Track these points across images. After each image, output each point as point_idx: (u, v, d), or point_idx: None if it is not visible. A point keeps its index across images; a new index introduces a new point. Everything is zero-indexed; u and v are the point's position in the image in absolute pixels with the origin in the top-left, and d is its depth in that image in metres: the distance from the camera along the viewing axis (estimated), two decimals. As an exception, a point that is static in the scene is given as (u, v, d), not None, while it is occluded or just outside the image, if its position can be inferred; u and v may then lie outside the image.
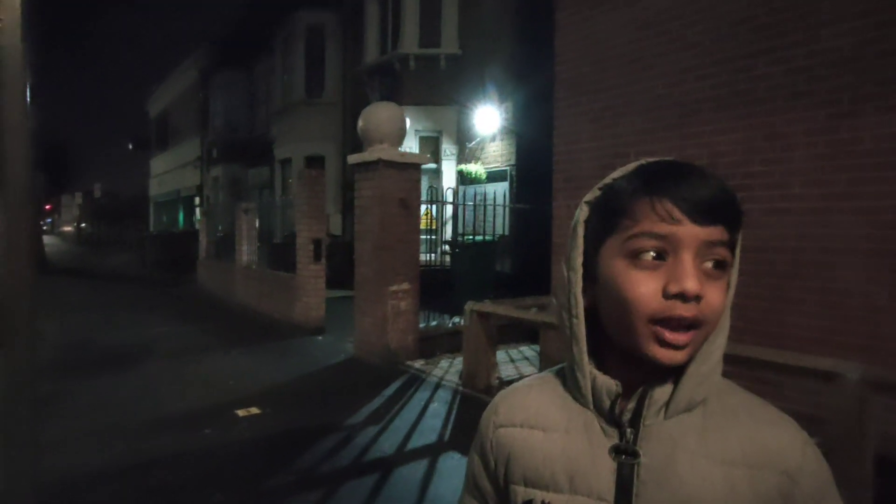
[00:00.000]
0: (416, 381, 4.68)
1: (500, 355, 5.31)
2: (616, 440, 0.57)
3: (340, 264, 9.02)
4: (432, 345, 5.53)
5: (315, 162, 13.87)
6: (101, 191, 41.41)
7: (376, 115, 5.32)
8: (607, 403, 0.59)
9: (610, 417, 0.58)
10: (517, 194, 8.76)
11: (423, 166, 5.68)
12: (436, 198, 6.21)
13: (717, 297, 0.52)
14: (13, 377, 0.89)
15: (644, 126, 4.18)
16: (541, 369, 4.76)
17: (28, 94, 0.90)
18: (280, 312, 7.21)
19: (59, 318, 7.30)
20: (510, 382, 3.55)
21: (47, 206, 56.95)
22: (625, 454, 0.56)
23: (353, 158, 5.42)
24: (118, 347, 5.71)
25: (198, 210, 20.74)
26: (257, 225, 9.12)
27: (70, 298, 9.58)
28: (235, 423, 3.61)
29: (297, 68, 14.70)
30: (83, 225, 36.65)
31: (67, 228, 44.65)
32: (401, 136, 5.43)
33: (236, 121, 18.73)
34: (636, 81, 4.22)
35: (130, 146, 30.59)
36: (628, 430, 0.57)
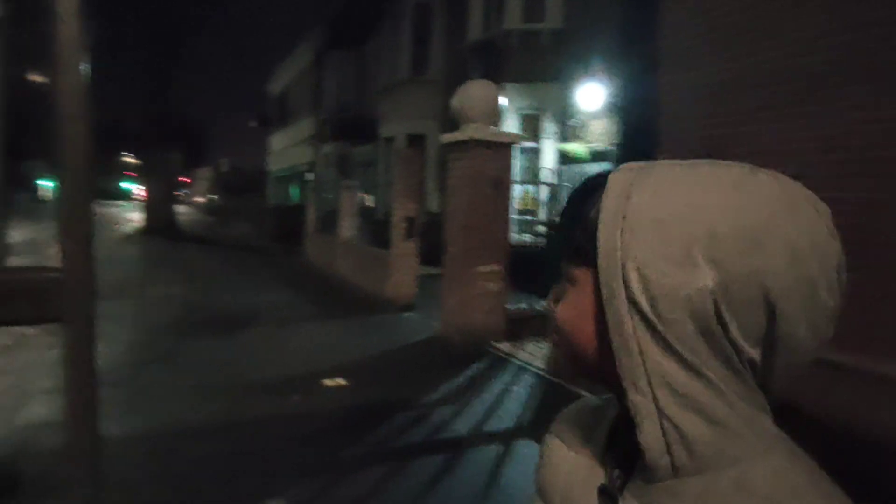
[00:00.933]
0: (499, 363, 4.65)
1: (589, 343, 5.14)
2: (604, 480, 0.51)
3: (436, 242, 9.14)
4: (520, 327, 5.46)
5: (417, 140, 14.09)
6: (228, 166, 45.05)
7: (470, 93, 5.26)
8: (603, 437, 0.53)
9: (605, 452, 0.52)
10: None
11: (523, 145, 5.57)
12: (533, 178, 6.07)
13: (561, 309, 0.50)
14: (74, 350, 0.95)
15: (761, 102, 3.76)
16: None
17: (85, 80, 0.92)
18: (373, 287, 7.47)
19: (183, 283, 8.08)
20: None
21: (186, 180, 63.03)
22: (609, 497, 0.49)
23: (446, 138, 5.42)
24: (229, 311, 6.22)
25: (309, 185, 21.95)
26: (359, 201, 9.47)
27: (195, 264, 10.57)
28: (322, 391, 3.80)
29: (403, 47, 14.92)
30: (212, 196, 40.17)
31: (199, 199, 49.17)
32: (494, 114, 5.33)
33: (346, 100, 19.45)
34: (752, 52, 3.80)
35: (254, 124, 32.92)
36: (615, 472, 0.50)
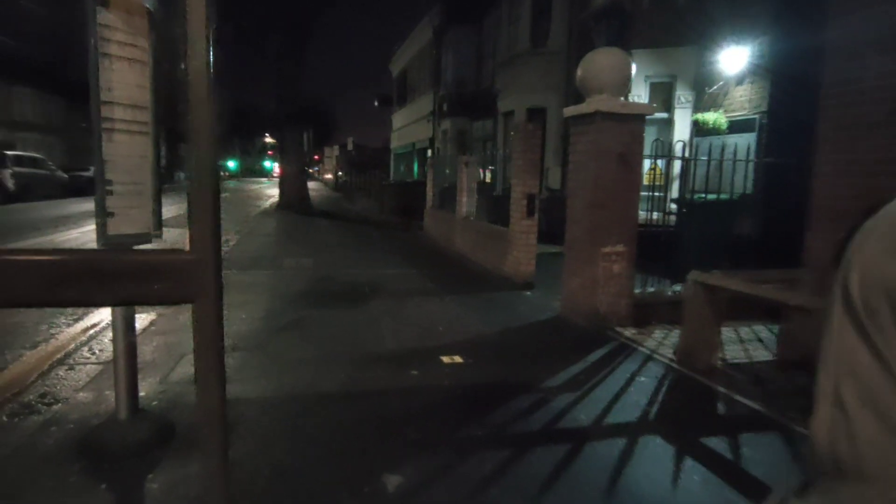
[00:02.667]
0: (624, 349, 4.39)
1: (727, 333, 4.68)
2: None
3: (557, 219, 8.88)
4: (647, 313, 5.12)
5: (537, 114, 13.71)
6: (353, 144, 47.29)
7: (596, 62, 4.92)
8: None
9: None
10: (767, 146, 7.47)
11: (652, 116, 5.14)
12: (663, 151, 5.61)
13: None
14: (203, 329, 0.93)
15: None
16: (781, 354, 4.07)
17: (209, 64, 0.88)
18: (492, 264, 7.41)
19: (313, 255, 8.58)
20: (736, 366, 3.05)
21: (316, 157, 67.35)
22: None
23: (569, 111, 5.14)
24: (354, 284, 6.48)
25: (427, 161, 22.36)
26: (477, 177, 9.41)
27: (323, 237, 11.20)
28: (439, 368, 3.81)
29: (522, 18, 14.50)
30: (339, 173, 42.48)
31: (328, 176, 52.25)
32: (623, 84, 4.96)
33: (465, 75, 19.41)
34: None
35: (376, 103, 34.13)
36: None
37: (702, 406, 3.41)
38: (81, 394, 3.22)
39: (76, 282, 0.92)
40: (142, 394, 2.99)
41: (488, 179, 10.70)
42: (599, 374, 3.82)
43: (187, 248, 0.96)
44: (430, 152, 22.59)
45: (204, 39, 0.90)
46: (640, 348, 4.42)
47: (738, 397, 3.48)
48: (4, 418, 2.89)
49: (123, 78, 2.31)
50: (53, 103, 35.39)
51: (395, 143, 30.18)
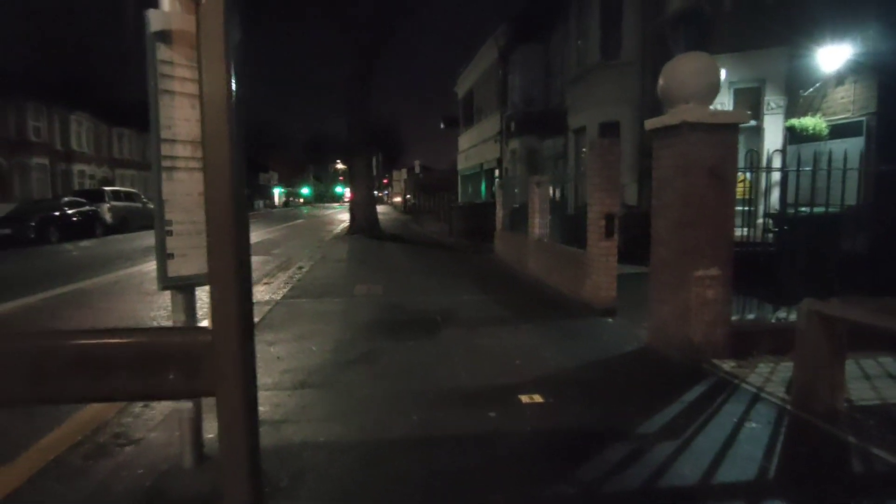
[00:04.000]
0: (725, 387, 3.90)
1: (849, 367, 4.08)
2: None
3: (635, 238, 8.35)
4: (747, 342, 4.58)
5: (610, 128, 13.20)
6: (420, 166, 47.93)
7: (680, 69, 4.52)
8: None
9: None
10: (879, 152, 6.68)
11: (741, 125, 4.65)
12: (756, 162, 5.08)
13: None
14: (229, 428, 0.67)
15: None
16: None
17: (228, 90, 0.64)
18: (569, 288, 7.01)
19: (383, 281, 8.51)
20: (865, 409, 2.50)
21: (384, 181, 68.94)
22: None
23: (650, 123, 4.75)
24: (425, 312, 6.29)
25: (496, 182, 22.14)
26: (549, 197, 9.06)
27: (393, 262, 11.17)
28: (518, 409, 3.50)
29: (591, 31, 14.11)
30: (407, 196, 43.08)
31: (397, 199, 53.17)
32: (711, 91, 4.53)
33: (532, 94, 19.15)
34: None
35: (442, 125, 34.44)
36: None
37: (830, 460, 2.90)
38: (153, 434, 3.16)
39: (68, 374, 0.73)
40: (209, 435, 2.88)
41: (560, 198, 10.33)
42: (700, 416, 3.38)
43: (208, 324, 0.75)
44: (497, 173, 22.38)
45: (222, 64, 0.70)
46: (745, 385, 3.91)
47: (874, 449, 2.94)
48: (80, 461, 2.86)
49: (184, 114, 2.23)
50: (148, 141, 38.08)
51: (462, 164, 30.23)
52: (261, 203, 61.48)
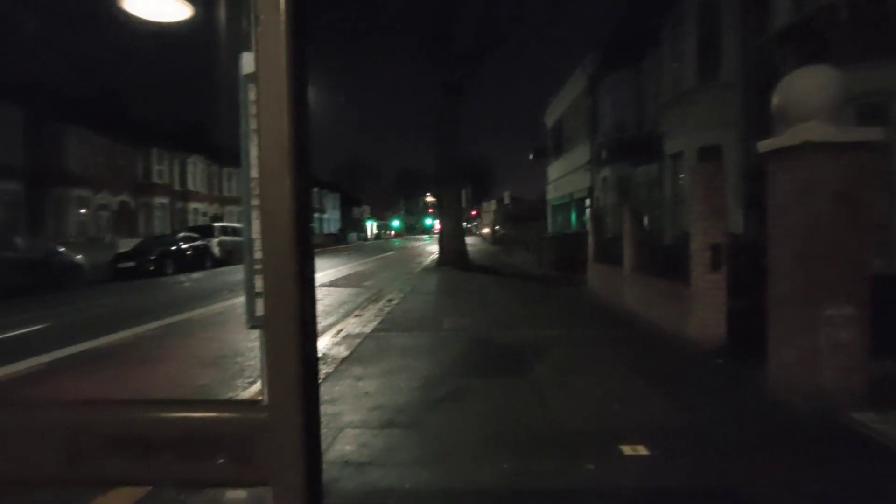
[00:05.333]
0: (867, 445, 3.34)
1: None
2: None
3: (743, 268, 7.66)
4: (891, 392, 3.94)
5: (710, 153, 12.44)
6: (510, 197, 47.84)
7: (799, 84, 4.09)
8: None
9: None
10: None
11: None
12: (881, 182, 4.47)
13: None
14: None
15: None
16: None
17: (299, 108, 0.52)
18: (671, 325, 6.49)
19: (472, 315, 8.36)
20: None
21: (473, 212, 69.52)
22: None
23: (765, 145, 4.31)
24: (515, 348, 6.05)
25: (587, 212, 21.53)
26: (644, 226, 8.58)
27: (482, 295, 11.01)
28: (620, 461, 3.17)
29: (687, 54, 13.51)
30: (496, 227, 43.01)
31: (486, 231, 53.27)
32: (835, 107, 4.05)
33: (624, 120, 18.60)
34: None
35: (531, 156, 34.29)
36: None
37: None
38: None
39: (105, 453, 0.63)
40: None
41: (656, 227, 9.76)
42: (841, 482, 2.88)
43: (264, 397, 0.63)
44: (588, 202, 21.79)
45: (283, 102, 0.59)
46: (893, 444, 3.32)
47: None
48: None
49: (274, 152, 2.23)
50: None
51: (552, 194, 29.81)
52: (354, 235, 64.02)
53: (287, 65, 0.60)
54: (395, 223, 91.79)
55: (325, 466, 3.11)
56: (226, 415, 0.61)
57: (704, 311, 5.67)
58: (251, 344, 6.69)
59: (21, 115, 23.58)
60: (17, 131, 23.72)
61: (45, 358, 6.10)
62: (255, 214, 2.15)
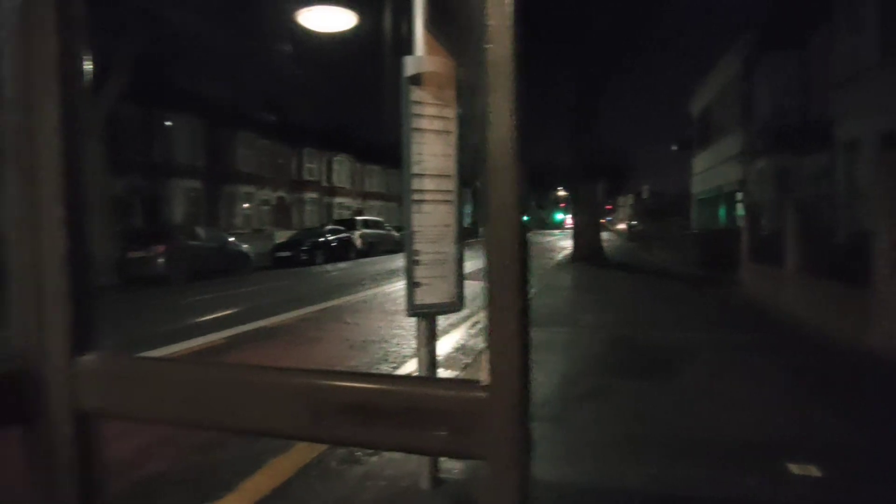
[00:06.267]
0: None
1: None
2: None
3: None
4: None
5: (893, 140, 10.79)
6: (649, 191, 45.39)
7: None
8: None
9: None
10: None
11: None
12: None
13: None
14: (497, 499, 0.57)
15: None
16: None
17: (518, 112, 0.56)
18: (844, 334, 5.75)
19: (610, 312, 8.09)
20: None
21: (607, 207, 66.97)
22: None
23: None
24: (657, 349, 5.76)
25: (738, 206, 19.76)
26: (812, 222, 7.68)
27: (620, 292, 10.59)
28: (786, 481, 2.89)
29: (867, 24, 11.80)
30: (633, 223, 41.08)
31: (621, 226, 51.10)
32: None
33: (784, 106, 16.78)
34: None
35: (674, 147, 32.20)
36: None
37: None
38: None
39: (339, 417, 0.71)
40: (442, 458, 2.95)
41: (825, 224, 8.70)
42: None
43: (484, 378, 0.67)
44: (739, 196, 19.97)
45: (508, 112, 0.62)
46: None
47: None
48: (334, 464, 3.17)
49: (431, 149, 2.34)
50: (393, 176, 43.44)
51: (697, 187, 27.75)
52: (482, 230, 64.75)
53: (513, 62, 0.63)
54: (525, 217, 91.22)
55: (468, 453, 3.21)
56: (447, 392, 0.66)
57: (891, 321, 4.95)
58: (394, 331, 7.07)
59: (201, 122, 27.01)
60: (199, 137, 27.23)
61: (224, 333, 6.98)
62: (415, 208, 2.27)
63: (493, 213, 0.61)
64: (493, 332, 0.62)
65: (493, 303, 0.62)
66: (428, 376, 0.80)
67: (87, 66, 0.84)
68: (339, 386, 0.69)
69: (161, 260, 13.69)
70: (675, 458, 3.17)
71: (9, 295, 0.84)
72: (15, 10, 0.80)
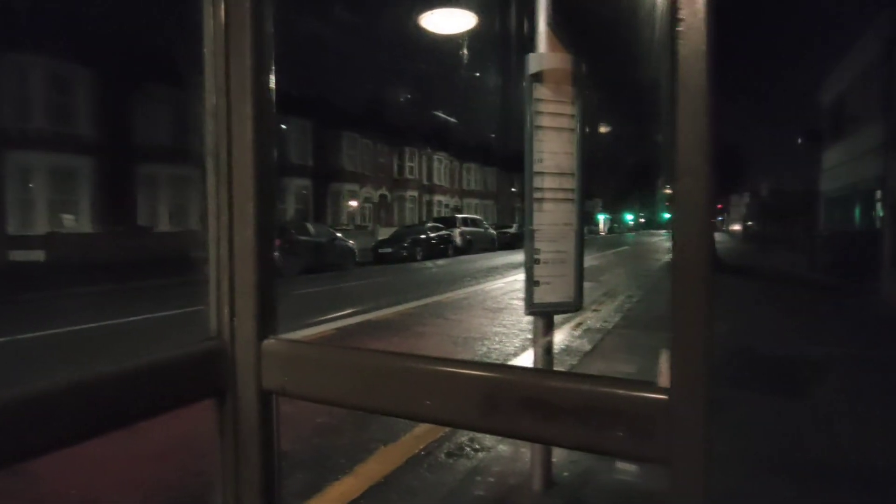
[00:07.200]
0: None
1: None
2: None
3: None
4: None
5: None
6: (767, 189, 41.95)
7: None
8: None
9: None
10: None
11: None
12: None
13: None
14: (679, 497, 0.58)
15: None
16: None
17: (711, 105, 0.56)
18: None
19: (726, 320, 7.58)
20: None
21: (719, 206, 62.67)
22: None
23: None
24: (783, 362, 5.32)
25: (877, 205, 17.73)
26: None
27: (736, 299, 9.90)
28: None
29: None
30: (749, 223, 38.16)
31: (735, 227, 47.65)
32: None
33: (939, 90, 14.77)
34: None
35: (800, 140, 29.48)
36: None
37: None
38: (502, 446, 3.39)
39: (516, 411, 0.73)
40: (554, 459, 2.92)
41: None
42: None
43: (663, 380, 0.66)
44: (879, 193, 17.88)
45: (700, 112, 0.61)
46: None
47: None
48: (443, 457, 3.25)
49: (552, 147, 2.32)
50: (489, 174, 43.56)
51: (827, 184, 25.21)
52: (584, 230, 62.94)
53: (706, 62, 0.61)
54: (628, 217, 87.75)
55: (583, 457, 3.16)
56: (626, 392, 0.66)
57: None
58: (494, 329, 7.10)
59: (310, 124, 28.61)
60: (308, 138, 28.88)
61: (333, 325, 7.37)
62: (536, 206, 2.26)
63: (681, 214, 0.60)
64: (676, 334, 0.61)
65: (677, 304, 0.61)
66: (605, 375, 0.80)
67: (274, 79, 0.93)
68: (515, 380, 0.71)
69: (275, 254, 14.69)
70: (812, 482, 2.92)
71: (205, 283, 0.95)
72: (218, 30, 0.90)
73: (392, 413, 0.84)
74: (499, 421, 0.71)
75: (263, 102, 0.90)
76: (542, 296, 2.23)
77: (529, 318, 2.68)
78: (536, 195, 2.27)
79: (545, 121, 2.34)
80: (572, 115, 2.39)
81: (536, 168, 2.29)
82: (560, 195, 2.30)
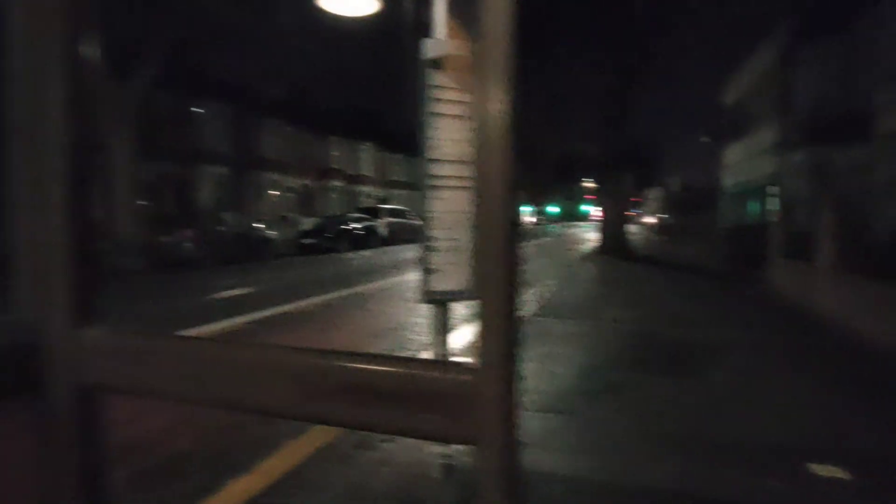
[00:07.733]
0: None
1: None
2: None
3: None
4: None
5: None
6: (679, 184, 44.53)
7: None
8: None
9: None
10: None
11: None
12: None
13: None
14: (487, 486, 0.55)
15: None
16: None
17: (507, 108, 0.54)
18: (886, 336, 5.57)
19: (634, 307, 7.98)
20: None
21: (634, 199, 65.82)
22: None
23: None
24: (681, 346, 5.66)
25: (769, 200, 19.26)
26: (849, 217, 7.43)
27: (645, 287, 10.44)
28: (808, 482, 2.81)
29: (917, 12, 11.31)
30: (662, 216, 40.41)
31: (649, 220, 50.27)
32: None
33: (823, 97, 16.20)
34: None
35: (703, 139, 31.48)
36: None
37: None
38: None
39: (332, 397, 0.70)
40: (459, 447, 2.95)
41: (863, 219, 8.42)
42: None
43: (475, 361, 0.66)
44: (772, 189, 19.43)
45: (501, 87, 0.60)
46: None
47: None
48: (351, 450, 3.20)
49: (450, 134, 2.31)
50: (416, 164, 43.34)
51: (728, 181, 27.08)
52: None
53: (507, 47, 0.61)
54: (554, 209, 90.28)
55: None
56: (440, 374, 0.64)
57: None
58: (412, 319, 7.09)
59: (229, 110, 27.35)
60: (227, 125, 27.59)
61: (246, 317, 7.09)
62: (432, 194, 2.25)
63: (482, 200, 0.59)
64: (483, 315, 0.60)
65: (482, 288, 0.60)
66: (420, 358, 0.79)
67: (98, 50, 0.84)
68: (334, 366, 0.68)
69: (188, 244, 13.97)
70: (697, 458, 3.10)
71: (15, 273, 0.85)
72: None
73: (219, 405, 0.79)
74: (317, 408, 0.68)
75: (79, 73, 0.82)
76: (437, 284, 2.23)
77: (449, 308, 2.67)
78: (432, 182, 2.25)
79: (443, 108, 2.32)
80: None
81: (433, 155, 2.28)
82: (457, 183, 2.30)
